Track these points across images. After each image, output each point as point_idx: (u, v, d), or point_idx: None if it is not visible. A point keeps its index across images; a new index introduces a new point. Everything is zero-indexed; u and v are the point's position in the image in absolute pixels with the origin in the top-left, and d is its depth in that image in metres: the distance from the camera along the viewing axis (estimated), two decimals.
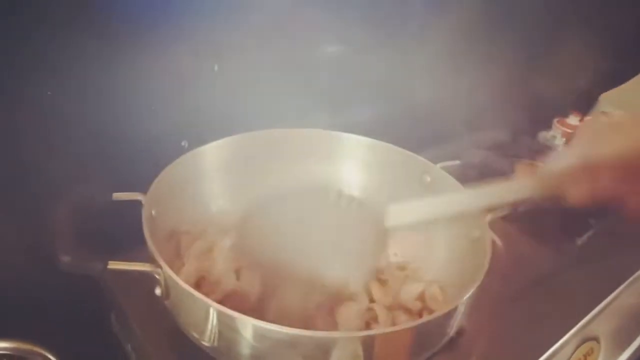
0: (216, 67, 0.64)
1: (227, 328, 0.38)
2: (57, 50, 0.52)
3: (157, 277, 0.40)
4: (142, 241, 0.43)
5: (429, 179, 0.56)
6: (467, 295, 0.39)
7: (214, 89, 0.64)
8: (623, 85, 1.38)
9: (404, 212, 0.51)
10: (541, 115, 1.21)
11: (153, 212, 0.46)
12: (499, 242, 0.66)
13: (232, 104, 0.66)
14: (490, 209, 0.49)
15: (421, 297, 0.50)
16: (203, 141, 0.58)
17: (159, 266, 0.40)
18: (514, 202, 0.49)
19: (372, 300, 0.52)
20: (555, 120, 1.17)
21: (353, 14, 0.75)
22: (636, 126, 0.40)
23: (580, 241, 0.71)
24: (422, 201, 0.51)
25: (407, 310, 0.50)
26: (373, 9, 0.78)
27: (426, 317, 0.38)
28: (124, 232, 0.45)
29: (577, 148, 0.42)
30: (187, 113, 0.63)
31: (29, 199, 0.53)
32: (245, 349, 0.38)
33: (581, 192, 0.40)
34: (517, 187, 0.46)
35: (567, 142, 1.12)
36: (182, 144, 0.62)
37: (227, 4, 0.62)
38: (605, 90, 1.36)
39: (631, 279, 0.66)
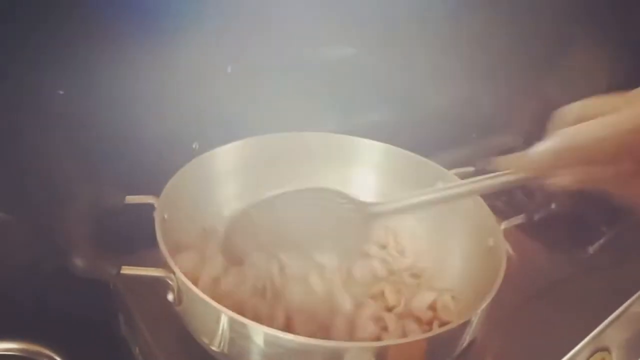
0: (229, 69, 0.64)
1: (238, 335, 0.37)
2: (69, 52, 0.52)
3: (170, 282, 0.40)
4: (155, 243, 0.43)
5: (442, 185, 0.56)
6: (482, 307, 0.39)
7: (226, 91, 0.64)
8: (634, 91, 1.38)
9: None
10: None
11: (165, 216, 0.46)
12: (510, 250, 0.65)
13: (244, 107, 0.66)
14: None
15: (433, 307, 0.50)
16: (214, 143, 0.59)
17: (172, 272, 0.40)
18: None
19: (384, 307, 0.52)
20: None
21: (368, 17, 0.75)
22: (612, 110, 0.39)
23: (592, 249, 0.71)
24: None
25: (417, 319, 0.50)
26: (387, 12, 0.78)
27: (441, 329, 0.37)
28: (137, 234, 0.45)
29: (560, 134, 0.42)
30: (199, 115, 0.63)
31: (42, 202, 0.53)
32: (256, 357, 0.38)
33: (566, 176, 0.40)
34: (503, 178, 0.45)
35: None
36: (193, 146, 0.62)
37: (240, 6, 0.62)
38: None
39: None
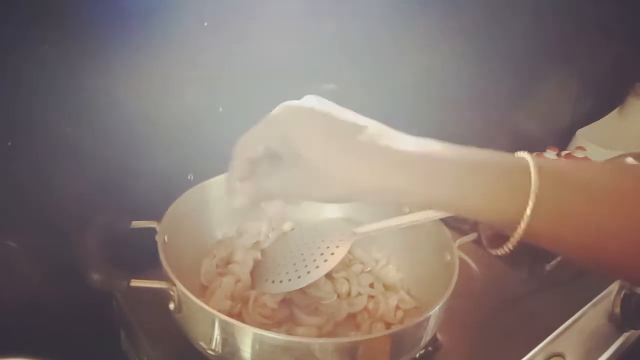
0: (221, 109, 0.71)
1: (230, 336, 0.44)
2: (77, 93, 0.58)
3: (171, 293, 0.47)
4: (157, 263, 0.49)
5: (407, 209, 0.63)
6: (437, 307, 0.46)
7: (218, 129, 0.70)
8: (598, 122, 1.47)
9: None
10: (521, 150, 1.28)
11: (165, 238, 0.52)
12: (474, 266, 0.72)
13: (234, 142, 0.72)
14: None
15: (398, 307, 0.58)
16: (207, 174, 0.64)
17: (173, 284, 0.46)
18: None
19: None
20: (533, 155, 1.24)
21: (347, 56, 0.82)
22: None
23: (549, 266, 0.77)
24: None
25: (387, 324, 0.58)
26: (364, 50, 0.84)
27: (404, 324, 0.44)
28: (142, 254, 0.51)
29: None
30: (194, 150, 0.69)
31: (58, 229, 0.59)
32: (246, 354, 0.44)
33: None
34: None
35: None
36: (189, 177, 0.68)
37: (231, 53, 0.69)
38: (582, 126, 1.43)
39: (594, 300, 0.72)
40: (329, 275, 0.61)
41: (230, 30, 0.67)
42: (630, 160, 0.51)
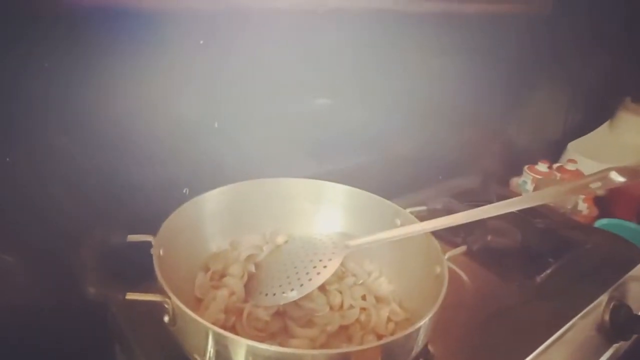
0: (216, 124, 0.72)
1: (224, 348, 0.45)
2: (75, 109, 0.59)
3: (166, 306, 0.47)
4: (152, 276, 0.50)
5: (399, 222, 0.65)
6: (427, 318, 0.47)
7: (213, 144, 0.72)
8: (589, 135, 1.49)
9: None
10: (513, 163, 1.30)
11: (161, 252, 0.53)
12: (466, 278, 0.73)
13: (228, 157, 0.74)
14: None
15: (390, 319, 0.59)
16: (202, 189, 0.65)
17: (168, 297, 0.47)
18: None
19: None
20: (525, 167, 1.26)
21: (341, 72, 0.83)
22: None
23: (539, 279, 0.78)
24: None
25: (379, 336, 0.58)
26: (358, 66, 0.86)
27: (395, 335, 0.45)
28: (138, 268, 0.52)
29: None
30: (189, 164, 0.71)
31: (53, 243, 0.60)
32: None
33: None
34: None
35: (536, 187, 1.21)
36: (184, 191, 0.69)
37: (227, 69, 0.70)
38: (573, 139, 1.45)
39: (584, 311, 0.73)
40: (322, 288, 0.61)
41: (225, 47, 0.69)
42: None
